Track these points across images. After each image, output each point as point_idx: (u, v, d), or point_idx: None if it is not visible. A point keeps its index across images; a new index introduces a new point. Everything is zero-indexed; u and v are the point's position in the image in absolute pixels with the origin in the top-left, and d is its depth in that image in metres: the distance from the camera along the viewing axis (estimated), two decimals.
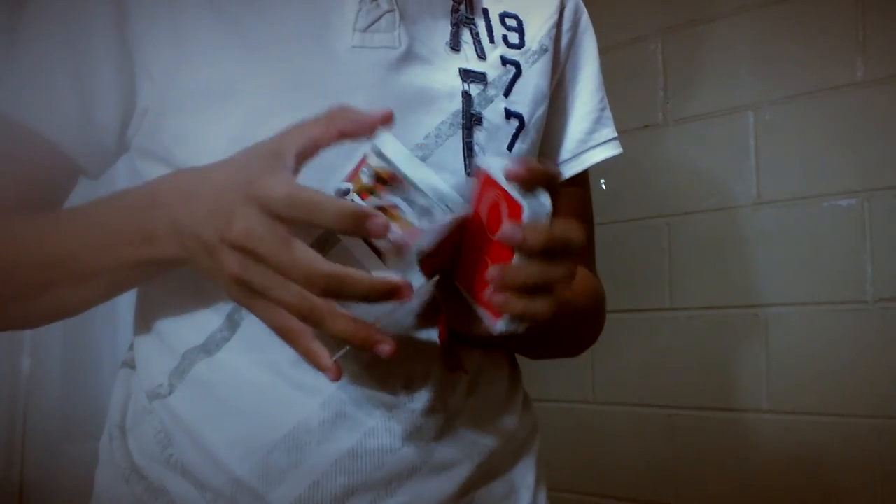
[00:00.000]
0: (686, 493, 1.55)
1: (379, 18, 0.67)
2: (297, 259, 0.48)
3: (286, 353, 0.64)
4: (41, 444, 1.67)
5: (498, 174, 0.53)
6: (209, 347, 0.66)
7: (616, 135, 0.82)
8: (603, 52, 0.82)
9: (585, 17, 0.82)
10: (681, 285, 1.60)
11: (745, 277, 1.52)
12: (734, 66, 1.55)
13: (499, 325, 0.53)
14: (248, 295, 0.52)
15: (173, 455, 0.67)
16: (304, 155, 0.53)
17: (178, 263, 0.59)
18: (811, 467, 1.40)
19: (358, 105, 0.56)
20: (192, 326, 0.67)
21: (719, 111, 1.56)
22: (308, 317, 0.49)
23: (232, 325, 0.65)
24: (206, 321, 0.66)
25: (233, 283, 0.52)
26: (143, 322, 0.72)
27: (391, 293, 0.49)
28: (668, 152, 1.64)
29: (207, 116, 0.64)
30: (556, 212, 0.85)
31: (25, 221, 0.67)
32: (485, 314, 0.55)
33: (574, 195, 0.82)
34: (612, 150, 0.82)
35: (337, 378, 0.53)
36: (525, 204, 0.51)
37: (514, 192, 0.52)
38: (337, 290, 0.48)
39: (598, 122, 0.81)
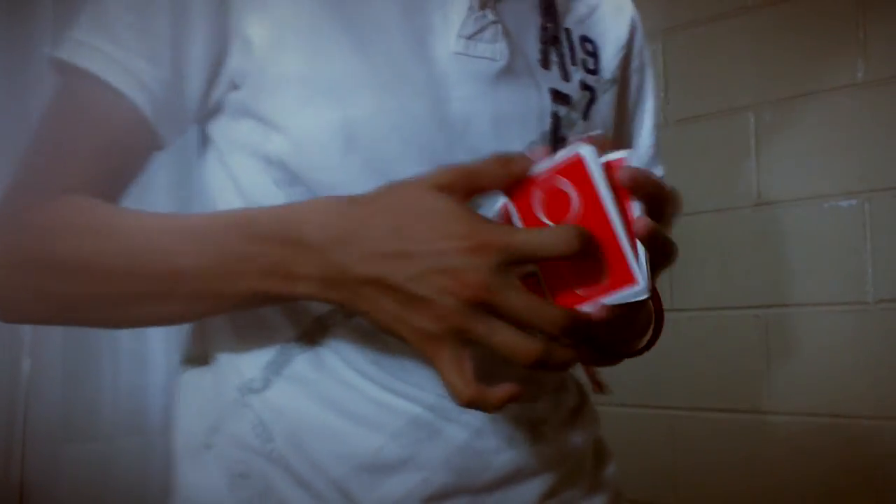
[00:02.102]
0: (686, 494, 1.55)
1: (484, 28, 0.65)
2: (539, 304, 0.50)
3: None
4: (41, 445, 1.67)
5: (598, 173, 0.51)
6: (309, 341, 0.64)
7: (664, 172, 0.83)
8: None
9: (647, 51, 0.81)
10: (681, 286, 1.60)
11: (745, 278, 1.51)
12: (734, 66, 1.55)
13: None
14: (449, 340, 0.50)
15: (275, 450, 0.64)
16: (469, 197, 0.53)
17: (304, 299, 0.56)
18: (811, 468, 1.40)
19: (452, 116, 0.58)
20: (288, 319, 0.64)
21: (719, 111, 1.56)
22: (548, 357, 0.49)
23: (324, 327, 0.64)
24: (305, 314, 0.64)
25: (436, 331, 0.50)
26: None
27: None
28: (668, 152, 1.64)
29: (308, 106, 0.61)
30: None
31: (123, 214, 0.61)
32: (627, 293, 0.51)
33: None
34: None
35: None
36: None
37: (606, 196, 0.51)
38: (574, 328, 0.50)
39: (654, 159, 0.82)
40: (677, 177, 1.77)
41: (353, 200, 0.54)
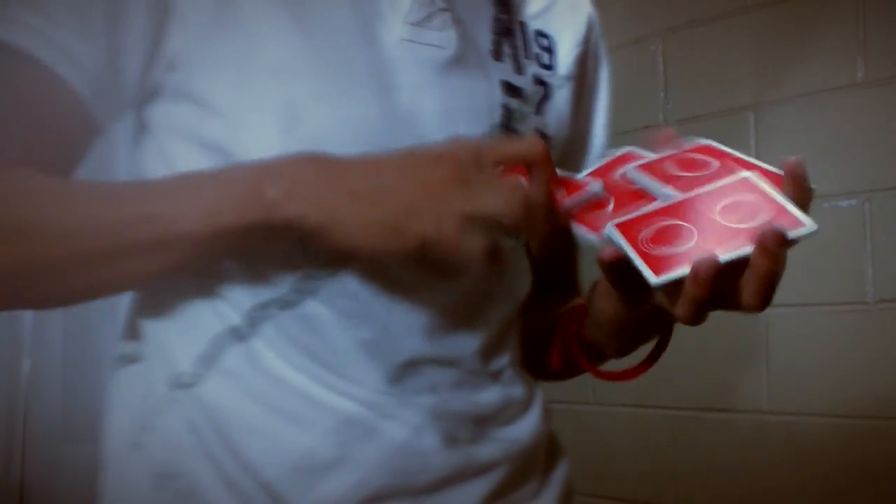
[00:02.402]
0: (686, 495, 1.55)
1: (433, 15, 0.64)
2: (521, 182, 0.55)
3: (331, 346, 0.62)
4: (41, 446, 1.67)
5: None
6: (242, 333, 0.62)
7: None
8: None
9: (603, 49, 0.81)
10: None
11: None
12: (734, 66, 1.54)
13: (660, 279, 0.53)
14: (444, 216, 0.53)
15: (205, 449, 0.61)
16: None
17: (283, 226, 0.55)
18: (811, 468, 1.40)
19: (398, 104, 0.60)
20: (221, 310, 0.62)
21: (719, 111, 1.56)
22: (530, 207, 0.54)
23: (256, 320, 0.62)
24: (239, 304, 0.62)
25: (417, 211, 0.53)
26: (157, 303, 0.65)
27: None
28: None
29: (250, 89, 0.60)
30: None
31: (73, 179, 0.60)
32: (645, 267, 0.54)
33: None
34: None
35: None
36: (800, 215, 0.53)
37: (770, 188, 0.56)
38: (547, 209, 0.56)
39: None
40: None
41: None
